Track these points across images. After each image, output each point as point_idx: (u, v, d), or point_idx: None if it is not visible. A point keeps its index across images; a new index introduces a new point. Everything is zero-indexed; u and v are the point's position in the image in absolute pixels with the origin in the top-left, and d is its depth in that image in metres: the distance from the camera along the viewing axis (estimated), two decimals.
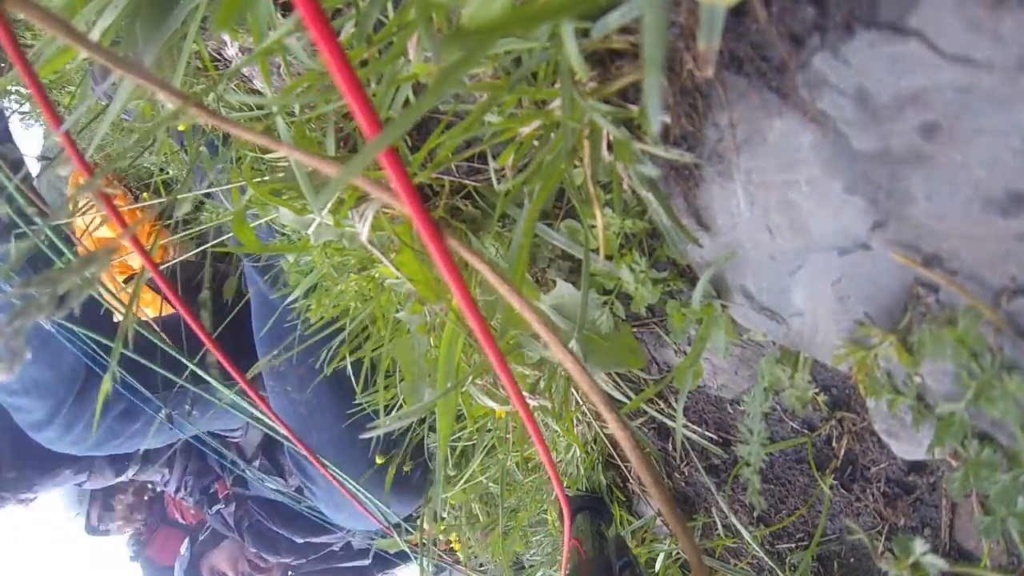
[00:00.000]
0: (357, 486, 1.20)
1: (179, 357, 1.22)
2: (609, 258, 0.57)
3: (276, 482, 1.78)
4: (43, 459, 1.61)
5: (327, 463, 1.19)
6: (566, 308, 0.63)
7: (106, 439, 1.45)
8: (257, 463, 1.79)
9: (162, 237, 1.25)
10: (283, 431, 0.88)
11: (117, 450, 1.53)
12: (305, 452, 1.00)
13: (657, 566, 0.91)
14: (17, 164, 1.29)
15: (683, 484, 0.84)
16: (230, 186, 0.94)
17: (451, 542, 1.33)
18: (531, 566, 1.21)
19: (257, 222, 0.80)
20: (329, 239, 0.67)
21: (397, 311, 0.79)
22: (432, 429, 1.11)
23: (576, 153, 0.43)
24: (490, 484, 1.07)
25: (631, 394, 0.79)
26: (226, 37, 0.70)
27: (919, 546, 0.40)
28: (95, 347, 1.36)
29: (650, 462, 0.33)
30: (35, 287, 0.29)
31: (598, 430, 0.89)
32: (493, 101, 0.40)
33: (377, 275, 0.77)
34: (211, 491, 1.91)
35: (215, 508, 1.90)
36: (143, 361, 1.30)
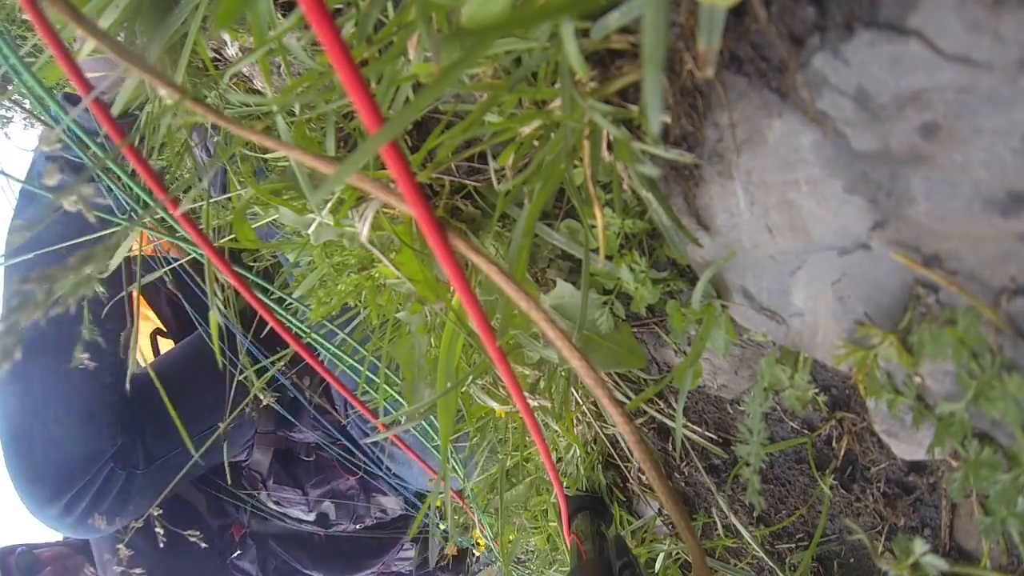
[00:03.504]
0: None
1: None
2: (609, 258, 0.57)
3: (295, 495, 1.60)
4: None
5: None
6: (566, 308, 0.63)
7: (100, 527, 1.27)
8: (272, 479, 1.60)
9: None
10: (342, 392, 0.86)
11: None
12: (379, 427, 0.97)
13: (657, 566, 0.91)
14: None
15: (683, 484, 0.84)
16: (228, 194, 0.94)
17: (475, 539, 1.31)
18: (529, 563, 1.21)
19: (256, 223, 0.80)
20: (329, 239, 0.67)
21: (397, 311, 0.79)
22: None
23: (576, 153, 0.43)
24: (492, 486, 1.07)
25: (631, 394, 0.79)
26: (226, 37, 0.70)
27: (919, 546, 0.40)
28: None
29: (654, 458, 0.33)
30: (33, 283, 0.29)
31: (598, 430, 0.89)
32: (493, 101, 0.40)
33: (377, 275, 0.77)
34: (224, 537, 1.64)
35: (231, 557, 1.63)
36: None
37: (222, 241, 0.94)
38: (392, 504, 1.68)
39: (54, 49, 0.37)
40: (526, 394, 0.73)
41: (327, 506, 1.64)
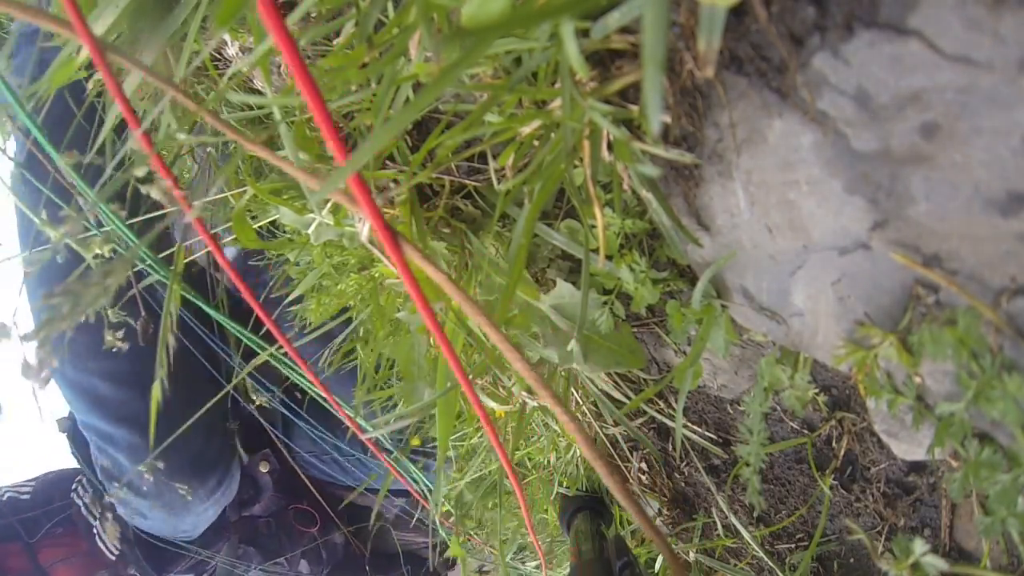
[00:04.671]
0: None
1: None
2: (609, 258, 0.57)
3: (282, 568, 1.65)
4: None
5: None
6: (566, 308, 0.63)
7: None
8: (261, 558, 1.62)
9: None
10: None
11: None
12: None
13: (657, 566, 0.91)
14: None
15: (683, 484, 0.84)
16: (230, 193, 0.94)
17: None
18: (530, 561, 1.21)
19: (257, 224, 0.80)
20: (329, 239, 0.67)
21: (397, 311, 0.79)
22: None
23: (576, 153, 0.43)
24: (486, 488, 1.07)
25: (631, 394, 0.79)
26: (226, 37, 0.70)
27: (919, 546, 0.40)
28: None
29: (595, 447, 0.33)
30: (58, 297, 0.30)
31: (598, 430, 0.89)
32: (493, 101, 0.40)
33: (377, 275, 0.77)
34: None
35: None
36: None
37: (225, 241, 0.94)
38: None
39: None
40: (524, 394, 0.73)
41: (302, 565, 1.73)
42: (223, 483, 1.47)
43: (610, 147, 0.44)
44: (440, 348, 0.68)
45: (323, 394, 0.87)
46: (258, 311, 0.67)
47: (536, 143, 0.45)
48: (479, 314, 0.33)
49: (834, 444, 0.62)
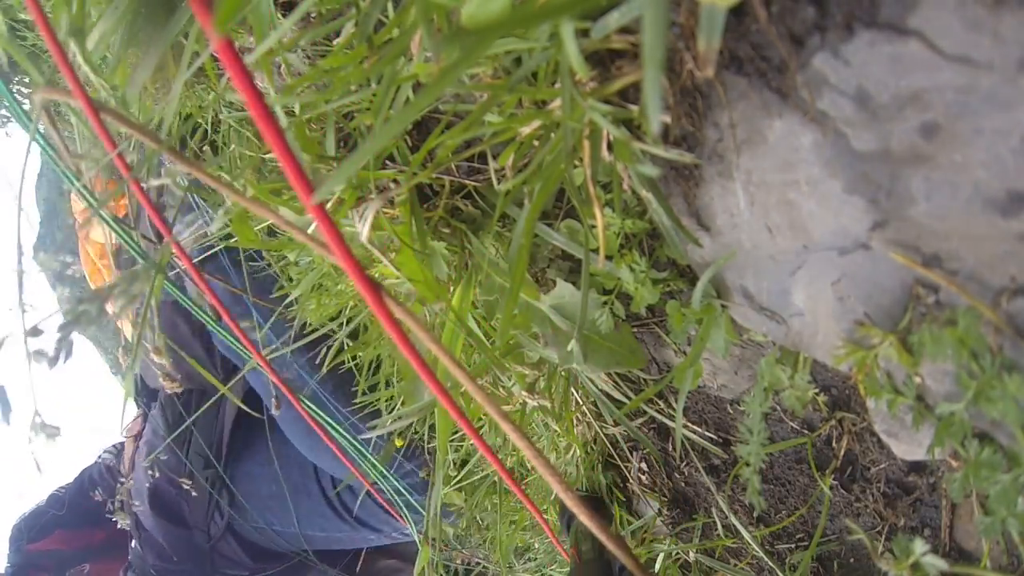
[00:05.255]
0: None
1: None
2: (609, 258, 0.57)
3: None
4: None
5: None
6: (566, 308, 0.63)
7: None
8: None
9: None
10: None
11: None
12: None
13: (657, 566, 0.91)
14: None
15: (683, 484, 0.84)
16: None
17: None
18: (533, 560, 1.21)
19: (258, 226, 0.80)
20: None
21: None
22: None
23: (576, 153, 0.43)
24: (487, 488, 1.07)
25: (631, 394, 0.79)
26: None
27: (919, 547, 0.40)
28: None
29: (561, 478, 0.33)
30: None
31: (598, 430, 0.89)
32: (493, 101, 0.40)
33: (377, 275, 0.77)
34: None
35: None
36: None
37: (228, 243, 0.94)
38: None
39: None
40: (524, 394, 0.73)
41: None
42: None
43: (610, 147, 0.44)
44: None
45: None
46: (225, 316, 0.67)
47: (536, 143, 0.45)
48: (459, 371, 0.33)
49: (834, 444, 0.62)
